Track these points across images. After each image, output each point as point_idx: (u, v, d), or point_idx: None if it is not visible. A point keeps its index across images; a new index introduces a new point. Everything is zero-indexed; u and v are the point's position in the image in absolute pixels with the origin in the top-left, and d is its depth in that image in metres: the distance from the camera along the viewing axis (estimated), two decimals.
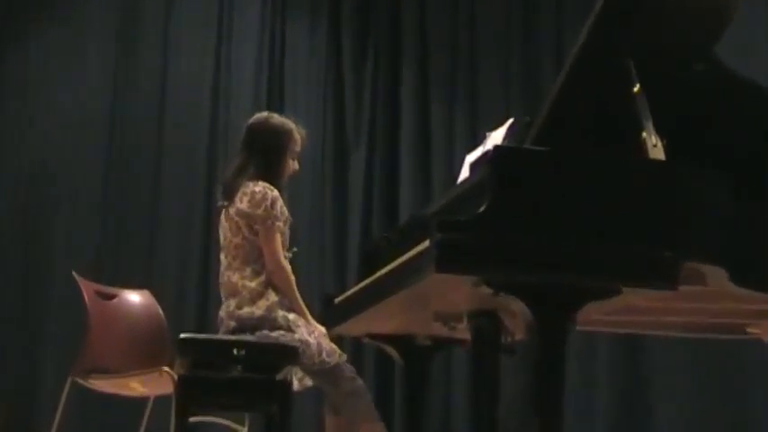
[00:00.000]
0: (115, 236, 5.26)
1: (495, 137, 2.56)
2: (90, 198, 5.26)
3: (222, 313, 3.26)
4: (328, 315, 2.58)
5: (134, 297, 4.02)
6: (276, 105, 5.38)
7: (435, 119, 5.58)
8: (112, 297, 3.95)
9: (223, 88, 5.54)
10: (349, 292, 2.42)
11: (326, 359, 3.15)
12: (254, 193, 3.21)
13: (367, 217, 5.49)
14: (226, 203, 3.29)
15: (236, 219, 3.21)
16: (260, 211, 3.18)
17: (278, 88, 5.62)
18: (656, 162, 1.94)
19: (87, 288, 3.85)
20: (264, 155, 3.26)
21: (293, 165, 3.33)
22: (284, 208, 3.22)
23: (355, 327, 2.44)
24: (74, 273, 3.91)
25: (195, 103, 5.49)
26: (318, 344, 3.15)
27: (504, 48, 5.48)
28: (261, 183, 3.23)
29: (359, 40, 5.74)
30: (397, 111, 5.64)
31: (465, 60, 5.58)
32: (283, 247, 3.20)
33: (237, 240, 3.21)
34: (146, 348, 3.80)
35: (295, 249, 3.33)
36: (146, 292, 4.08)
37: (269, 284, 3.17)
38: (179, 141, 5.43)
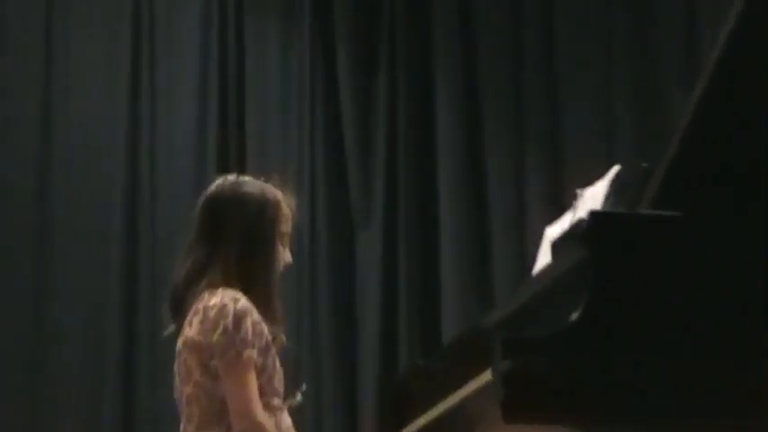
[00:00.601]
0: None
1: (593, 196, 2.62)
2: None
3: None
4: None
5: None
6: (233, 159, 5.44)
7: (493, 171, 5.61)
8: None
9: (145, 134, 5.60)
10: None
11: None
12: (207, 309, 3.13)
13: (388, 335, 5.48)
14: (174, 329, 3.26)
15: (185, 354, 3.18)
16: (216, 337, 3.11)
17: (235, 131, 5.67)
18: None
19: None
20: (239, 244, 3.23)
21: (285, 255, 3.33)
22: (261, 326, 3.14)
23: None
24: None
25: (100, 156, 5.56)
26: None
27: (604, 58, 5.53)
28: (221, 290, 3.18)
29: (363, 51, 5.81)
30: (431, 160, 5.68)
31: (538, 78, 5.63)
32: (264, 392, 3.13)
33: (189, 390, 3.13)
34: None
35: (304, 388, 3.27)
36: None
37: None
38: (77, 216, 5.48)
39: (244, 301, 3.16)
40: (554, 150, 5.58)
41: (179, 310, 3.23)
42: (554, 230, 2.91)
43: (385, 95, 5.75)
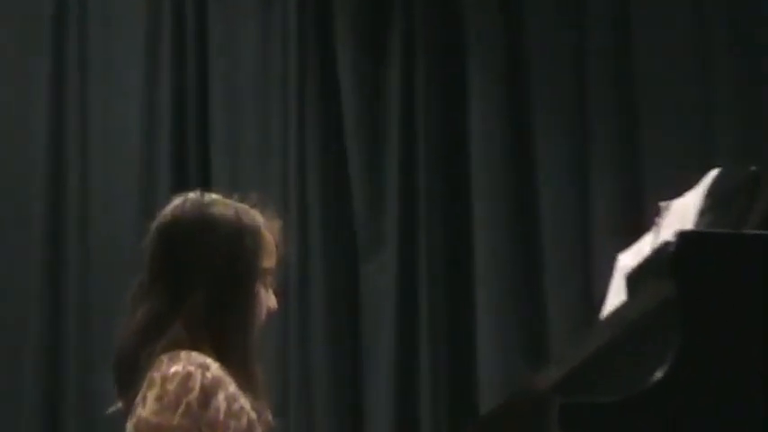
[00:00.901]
0: None
1: (682, 211, 2.63)
2: None
3: None
4: None
5: None
6: (193, 170, 5.55)
7: (546, 179, 5.64)
8: None
9: (73, 136, 5.70)
10: None
11: None
12: (165, 380, 3.18)
13: (405, 399, 5.50)
14: (122, 403, 3.28)
15: None
16: (177, 418, 3.17)
17: (196, 132, 5.74)
18: None
19: None
20: (207, 286, 3.29)
21: (268, 299, 3.39)
22: (240, 401, 3.19)
23: None
24: None
25: (19, 168, 5.70)
26: None
27: (699, 41, 5.55)
28: (185, 354, 3.22)
29: (369, 28, 5.87)
30: (461, 166, 5.72)
31: (606, 57, 5.67)
32: None
33: None
34: None
35: None
36: None
37: None
38: None
39: (215, 370, 3.21)
40: (629, 150, 5.61)
41: (128, 382, 3.26)
42: (630, 258, 2.93)
43: (399, 84, 5.81)
